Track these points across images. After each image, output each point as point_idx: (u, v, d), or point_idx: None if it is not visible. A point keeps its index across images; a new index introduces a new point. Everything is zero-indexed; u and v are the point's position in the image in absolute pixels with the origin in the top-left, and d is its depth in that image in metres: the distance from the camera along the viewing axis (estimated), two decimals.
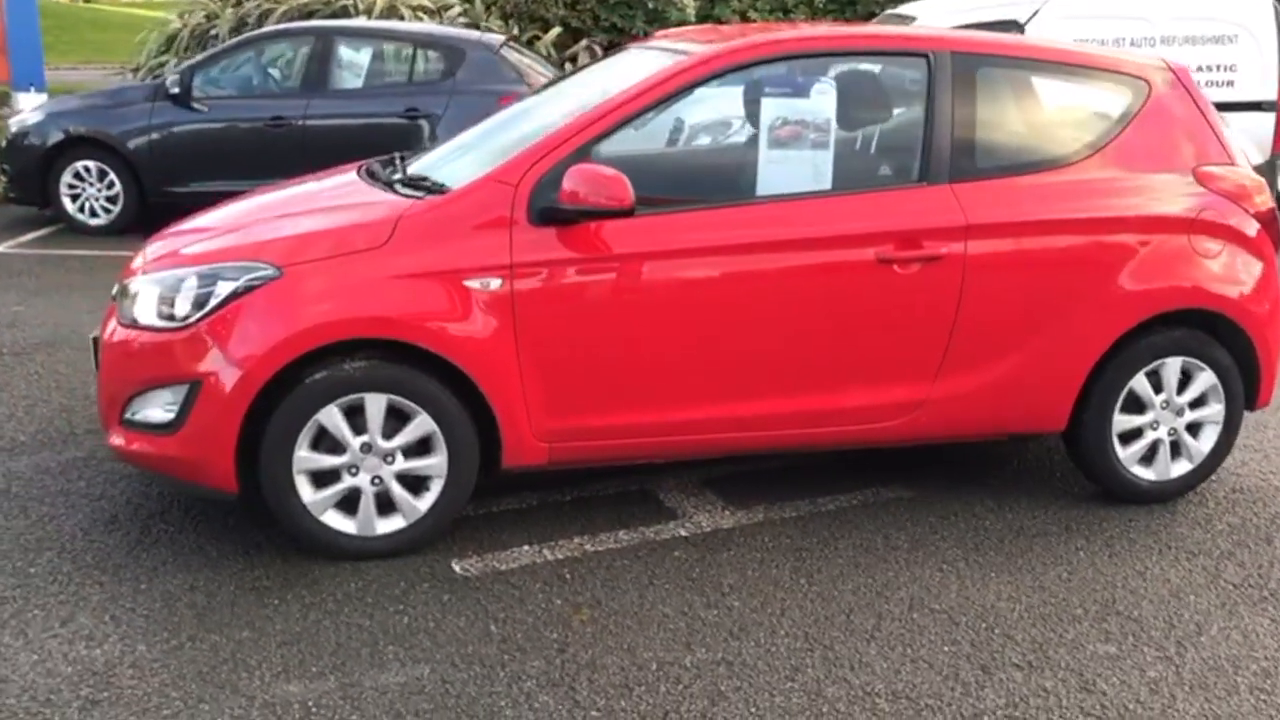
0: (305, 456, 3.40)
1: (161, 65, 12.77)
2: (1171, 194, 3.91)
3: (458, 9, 12.87)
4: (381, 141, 8.15)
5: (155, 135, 8.30)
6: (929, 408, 3.83)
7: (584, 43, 14.04)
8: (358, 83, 8.39)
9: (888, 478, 4.25)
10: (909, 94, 3.79)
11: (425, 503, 3.53)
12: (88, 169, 8.41)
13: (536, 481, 4.05)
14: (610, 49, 14.02)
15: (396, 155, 4.44)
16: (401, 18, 12.38)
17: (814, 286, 3.64)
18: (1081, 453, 4.06)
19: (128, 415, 3.51)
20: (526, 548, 3.67)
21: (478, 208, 3.45)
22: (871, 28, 4.36)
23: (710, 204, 3.64)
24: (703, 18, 14.62)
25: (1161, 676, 3.03)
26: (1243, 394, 4.08)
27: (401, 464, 3.48)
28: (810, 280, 3.63)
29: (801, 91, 3.76)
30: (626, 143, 3.62)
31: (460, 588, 3.40)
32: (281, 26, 9.21)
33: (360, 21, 10.26)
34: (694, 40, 4.10)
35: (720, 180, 3.74)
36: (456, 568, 3.52)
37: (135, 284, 3.54)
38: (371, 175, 4.01)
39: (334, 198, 3.83)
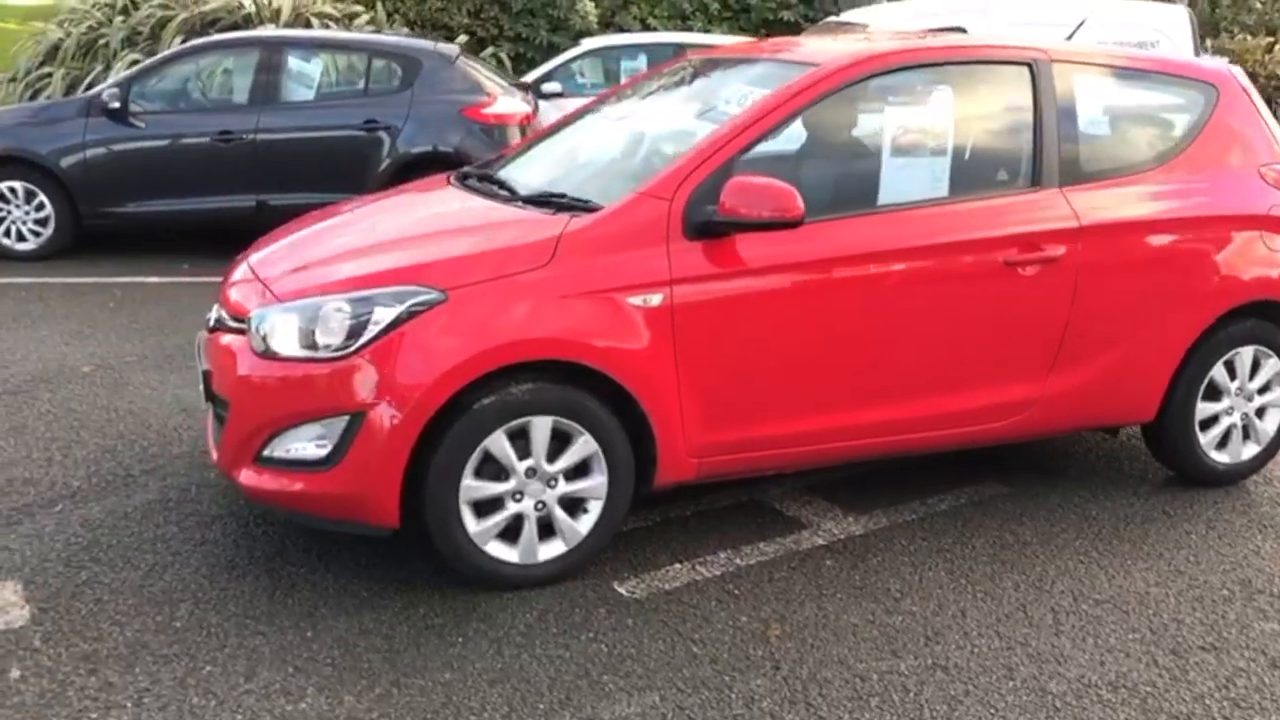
0: (471, 485, 3.27)
1: (45, 78, 11.99)
2: (1246, 192, 4.16)
3: (365, 18, 12.51)
4: (340, 154, 7.94)
5: (91, 153, 7.78)
6: (1040, 405, 3.96)
7: (489, 51, 13.87)
8: (309, 95, 8.06)
9: (978, 475, 4.36)
10: (1017, 101, 3.90)
11: (585, 525, 3.45)
12: (13, 190, 7.82)
13: (653, 499, 3.98)
14: (516, 59, 13.93)
15: (476, 168, 4.29)
16: (309, 25, 11.98)
17: (950, 290, 3.72)
18: (1165, 440, 4.26)
19: (266, 452, 3.30)
20: (677, 565, 3.62)
21: (636, 224, 3.38)
22: (978, 38, 4.46)
23: (847, 212, 3.66)
24: (604, 26, 14.63)
25: None
26: None
27: (564, 487, 3.39)
28: (947, 284, 3.71)
29: (921, 100, 3.83)
30: (762, 153, 3.60)
31: (637, 610, 3.33)
32: (223, 37, 8.75)
33: (309, 31, 9.88)
34: (780, 52, 4.14)
35: (851, 189, 3.77)
36: (622, 590, 3.45)
37: (267, 313, 3.33)
38: (484, 192, 3.88)
39: (467, 216, 3.68)
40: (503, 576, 3.38)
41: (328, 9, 12.37)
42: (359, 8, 12.80)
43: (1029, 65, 3.91)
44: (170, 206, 7.90)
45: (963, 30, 8.44)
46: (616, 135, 4.25)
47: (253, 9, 11.95)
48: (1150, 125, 4.25)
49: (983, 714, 2.87)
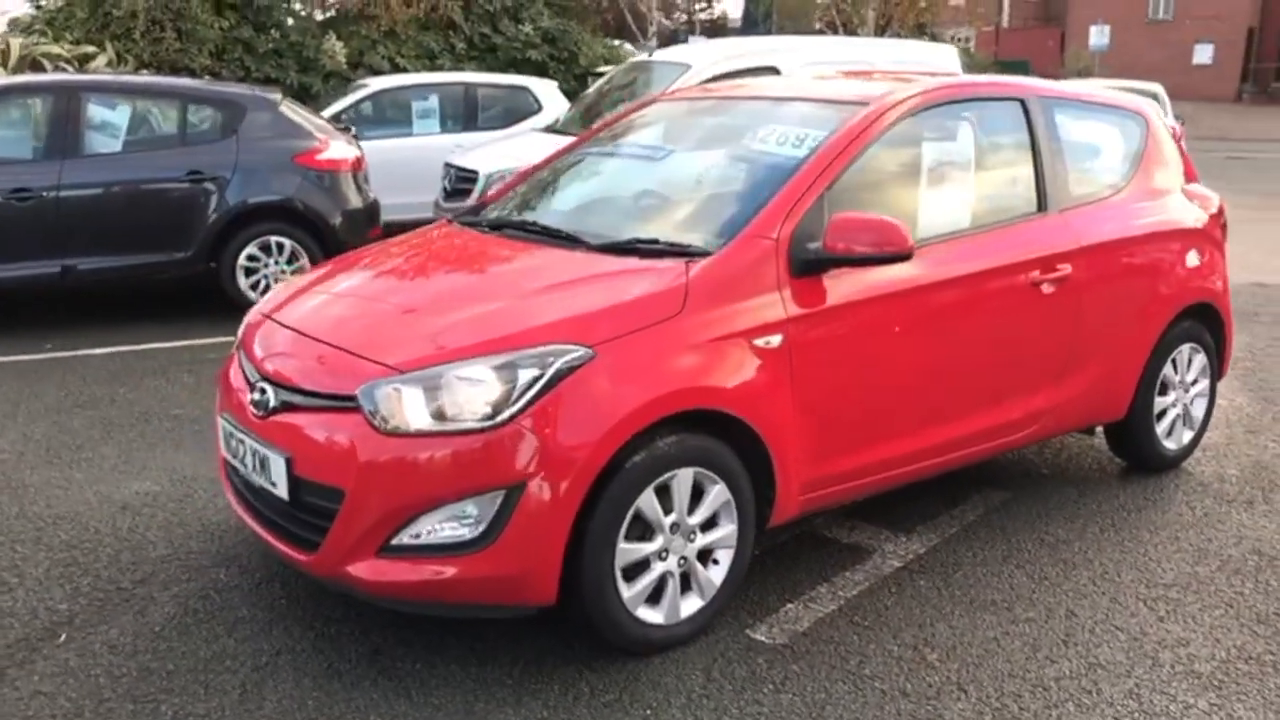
0: (625, 548, 3.10)
1: None
2: (1181, 209, 4.69)
3: (102, 59, 11.41)
4: (161, 209, 7.25)
5: None
6: (1052, 412, 4.26)
7: None
8: (116, 145, 7.22)
9: (977, 485, 4.61)
10: (1018, 133, 4.20)
11: (718, 577, 3.35)
12: None
13: None
14: None
15: (484, 214, 4.08)
16: (39, 67, 10.79)
17: (998, 310, 3.94)
18: (1129, 435, 4.70)
19: (396, 541, 2.97)
20: (790, 606, 3.59)
21: (751, 265, 3.34)
22: (980, 77, 4.71)
23: (924, 238, 3.74)
24: (353, 65, 14.12)
25: None
26: (1216, 369, 4.97)
27: (701, 540, 3.28)
28: (996, 304, 3.93)
29: (952, 134, 4.04)
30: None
31: (792, 656, 3.28)
32: (8, 81, 7.65)
33: (110, 76, 8.80)
34: (787, 92, 4.25)
35: (922, 216, 3.88)
36: (761, 637, 3.38)
37: (383, 386, 2.99)
38: (540, 241, 3.68)
39: (557, 268, 3.44)
40: (650, 640, 3.23)
41: (57, 50, 11.22)
42: (91, 48, 11.68)
43: (1021, 101, 4.23)
44: None
45: (776, 70, 8.92)
46: (639, 176, 4.16)
47: None
48: (1108, 153, 4.70)
49: (1166, 701, 3.07)
